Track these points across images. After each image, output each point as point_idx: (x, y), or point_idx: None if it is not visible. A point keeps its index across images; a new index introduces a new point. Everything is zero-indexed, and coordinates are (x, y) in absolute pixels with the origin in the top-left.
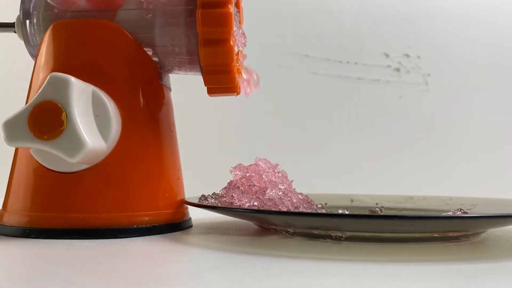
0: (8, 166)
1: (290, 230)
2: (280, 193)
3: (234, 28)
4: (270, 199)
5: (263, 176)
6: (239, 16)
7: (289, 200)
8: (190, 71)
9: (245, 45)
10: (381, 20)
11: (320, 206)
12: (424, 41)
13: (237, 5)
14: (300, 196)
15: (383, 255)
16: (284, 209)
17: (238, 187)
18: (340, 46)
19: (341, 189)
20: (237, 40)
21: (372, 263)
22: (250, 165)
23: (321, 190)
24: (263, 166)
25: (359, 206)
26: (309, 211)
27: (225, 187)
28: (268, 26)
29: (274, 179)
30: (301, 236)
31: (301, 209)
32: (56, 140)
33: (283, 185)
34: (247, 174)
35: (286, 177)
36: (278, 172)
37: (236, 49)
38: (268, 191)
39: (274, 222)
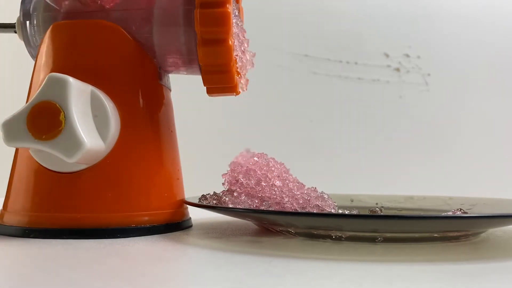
0: (9, 167)
1: (291, 230)
2: (284, 195)
3: (235, 30)
4: (276, 203)
5: (266, 178)
6: (240, 16)
7: (294, 200)
8: (189, 71)
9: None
10: (381, 20)
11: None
12: (424, 41)
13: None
14: (304, 196)
15: (383, 255)
16: (289, 209)
17: (240, 189)
18: (340, 46)
19: (341, 189)
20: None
21: (372, 263)
22: (246, 168)
23: (321, 190)
24: (242, 162)
25: (359, 206)
26: (314, 211)
27: (227, 188)
28: (268, 26)
29: (277, 181)
30: (302, 236)
31: (307, 209)
32: (54, 140)
33: (287, 187)
34: (246, 179)
35: (289, 179)
36: (280, 176)
37: (235, 53)
38: (270, 194)
39: (274, 222)
